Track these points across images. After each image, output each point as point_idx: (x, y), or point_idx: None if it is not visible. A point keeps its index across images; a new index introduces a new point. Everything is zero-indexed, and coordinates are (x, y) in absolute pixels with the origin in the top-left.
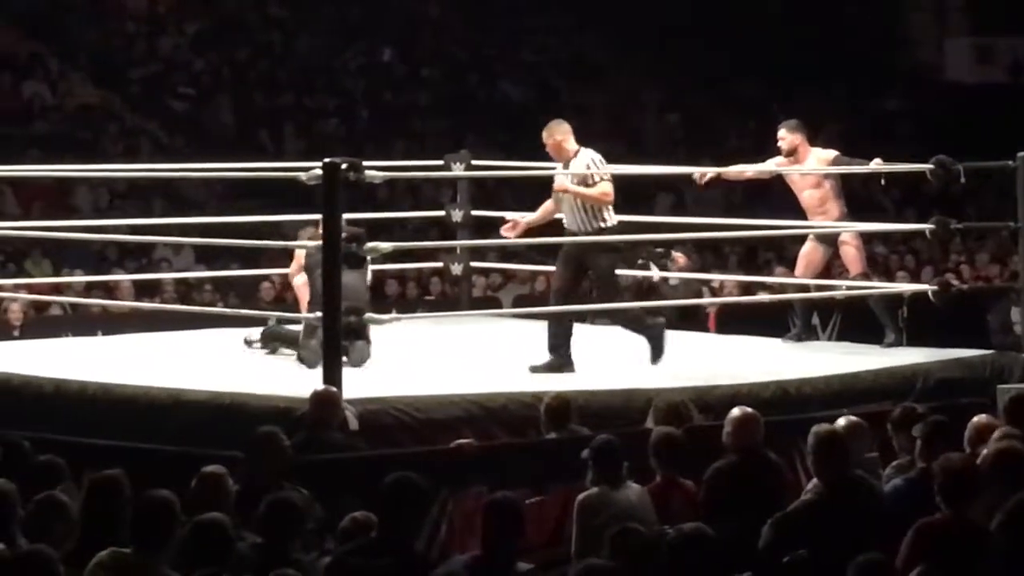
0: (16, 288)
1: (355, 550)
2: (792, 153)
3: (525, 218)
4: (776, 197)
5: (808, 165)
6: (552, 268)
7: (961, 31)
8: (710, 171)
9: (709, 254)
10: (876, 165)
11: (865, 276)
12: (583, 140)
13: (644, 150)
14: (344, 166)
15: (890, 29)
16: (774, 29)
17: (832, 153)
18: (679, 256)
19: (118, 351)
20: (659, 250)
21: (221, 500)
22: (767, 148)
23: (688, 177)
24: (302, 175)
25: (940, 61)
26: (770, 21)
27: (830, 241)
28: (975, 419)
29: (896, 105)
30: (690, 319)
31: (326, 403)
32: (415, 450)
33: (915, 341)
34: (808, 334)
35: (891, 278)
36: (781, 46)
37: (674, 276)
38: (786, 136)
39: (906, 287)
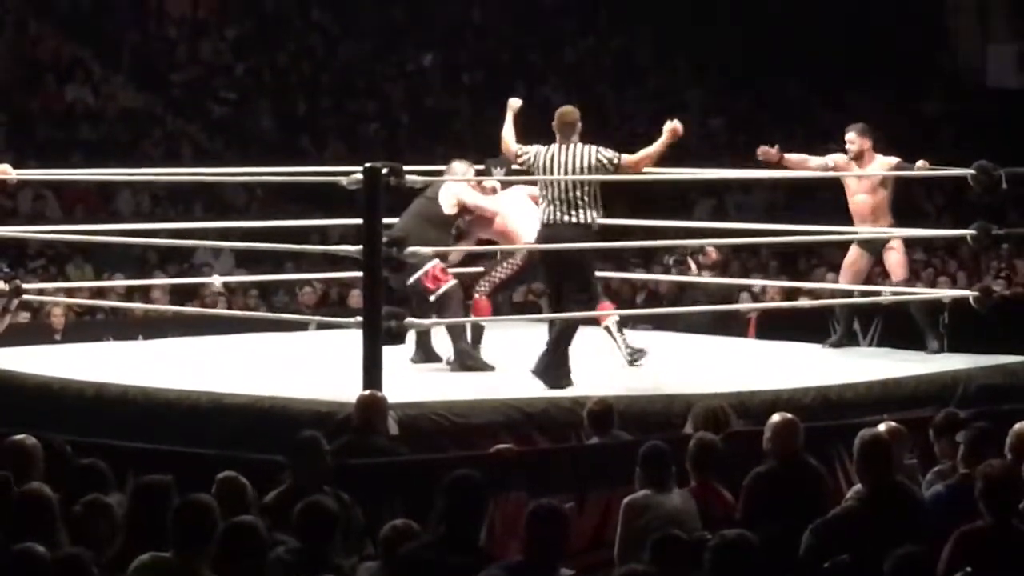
0: (58, 292)
1: (422, 547)
2: (859, 157)
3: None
4: (818, 201)
5: (870, 171)
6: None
7: (1004, 37)
8: (771, 157)
9: (750, 258)
10: (921, 166)
11: (909, 283)
12: (627, 141)
13: (686, 154)
14: (385, 170)
15: (933, 34)
16: (818, 33)
17: (893, 160)
18: (711, 250)
19: (159, 355)
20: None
21: (242, 505)
22: (811, 153)
23: (729, 183)
24: (343, 179)
25: (983, 66)
26: (814, 25)
27: (875, 249)
28: (1016, 426)
29: (938, 110)
30: (728, 322)
31: (371, 408)
32: (456, 455)
33: (956, 347)
34: (849, 340)
35: (932, 284)
36: (825, 50)
37: (691, 277)
38: (855, 140)
39: (947, 293)
